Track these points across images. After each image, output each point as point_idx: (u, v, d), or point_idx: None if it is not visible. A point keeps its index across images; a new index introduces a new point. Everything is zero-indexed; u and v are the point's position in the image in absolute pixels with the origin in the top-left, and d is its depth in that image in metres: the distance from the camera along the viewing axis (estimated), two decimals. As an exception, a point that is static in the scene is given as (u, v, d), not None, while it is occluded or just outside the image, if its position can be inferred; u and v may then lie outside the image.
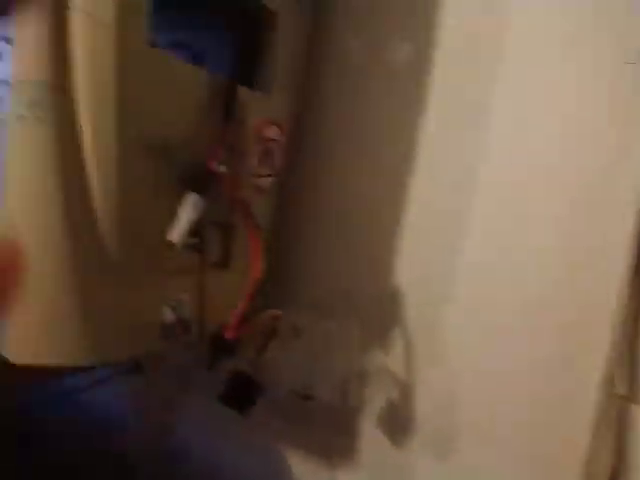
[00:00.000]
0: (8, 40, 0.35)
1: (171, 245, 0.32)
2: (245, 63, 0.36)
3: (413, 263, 0.46)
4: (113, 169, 0.29)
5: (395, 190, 0.46)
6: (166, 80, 0.31)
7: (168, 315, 0.35)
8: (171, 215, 0.32)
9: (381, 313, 0.47)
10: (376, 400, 0.47)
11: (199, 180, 0.33)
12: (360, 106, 0.48)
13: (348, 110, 0.48)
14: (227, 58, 0.44)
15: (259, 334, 0.36)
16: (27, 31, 0.27)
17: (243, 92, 0.36)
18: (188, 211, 0.32)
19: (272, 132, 0.41)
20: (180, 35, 0.46)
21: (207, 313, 0.37)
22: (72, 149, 0.28)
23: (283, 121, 0.42)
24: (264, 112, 0.40)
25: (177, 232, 0.32)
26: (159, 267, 0.34)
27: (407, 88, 0.45)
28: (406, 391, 0.45)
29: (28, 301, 0.30)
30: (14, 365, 0.30)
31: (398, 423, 0.47)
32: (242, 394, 0.38)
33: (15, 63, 0.28)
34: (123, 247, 0.31)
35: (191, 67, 0.33)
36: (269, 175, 0.42)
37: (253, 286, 0.34)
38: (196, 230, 0.34)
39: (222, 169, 0.35)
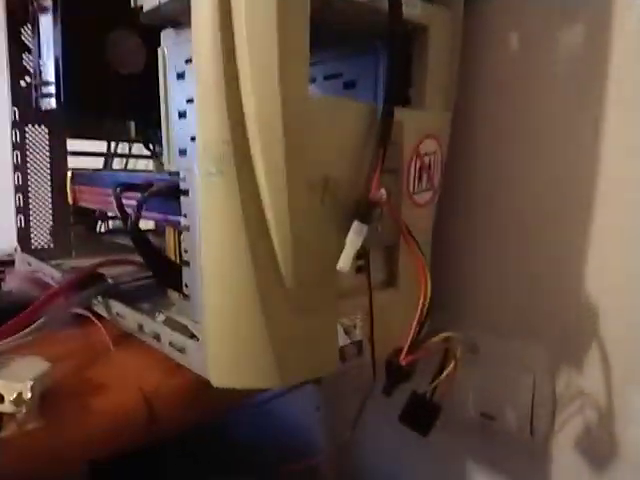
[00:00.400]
0: (190, 100, 0.41)
1: (340, 271, 0.33)
2: (396, 83, 0.35)
3: (606, 272, 0.41)
4: (285, 208, 0.32)
5: (581, 190, 0.41)
6: (327, 120, 0.33)
7: (342, 337, 0.37)
8: (339, 243, 0.34)
9: (570, 330, 0.42)
10: (570, 425, 0.42)
11: (362, 209, 0.33)
12: (527, 103, 0.44)
13: (510, 109, 0.45)
14: (378, 81, 0.44)
15: (434, 356, 0.35)
16: (206, 95, 0.31)
17: (397, 112, 0.35)
18: (354, 238, 0.33)
19: (429, 146, 0.40)
20: (330, 66, 0.48)
21: (378, 334, 0.38)
22: (251, 194, 0.32)
23: (439, 132, 0.41)
24: (419, 127, 0.39)
25: (345, 260, 0.33)
26: (331, 292, 0.36)
27: (581, 80, 0.41)
28: (606, 415, 0.40)
29: (221, 328, 0.34)
30: (214, 387, 0.34)
31: (598, 450, 0.42)
32: (421, 415, 0.37)
33: (199, 126, 0.31)
34: (298, 275, 0.33)
35: (347, 99, 0.35)
36: (427, 190, 0.41)
37: (422, 307, 0.33)
38: (362, 252, 0.34)
39: (383, 194, 0.35)
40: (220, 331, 0.34)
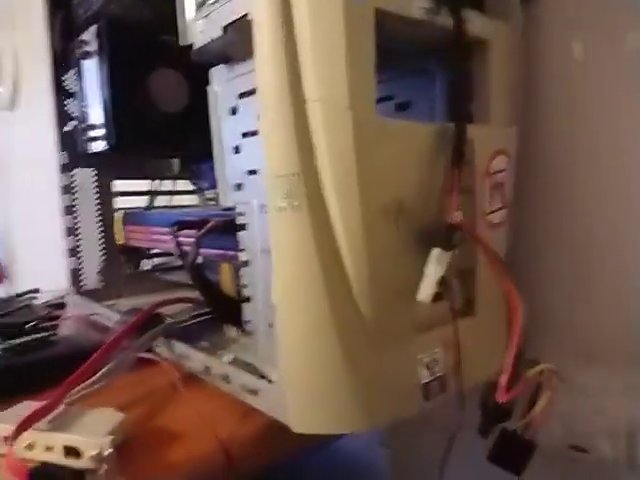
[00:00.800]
0: (245, 134, 0.40)
1: (420, 303, 0.31)
2: (459, 99, 0.33)
3: None
4: (359, 238, 0.30)
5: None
6: (398, 143, 0.31)
7: (424, 373, 0.34)
8: (417, 272, 0.32)
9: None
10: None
11: (440, 234, 0.31)
12: (601, 109, 0.42)
13: (580, 117, 0.43)
14: (434, 101, 0.42)
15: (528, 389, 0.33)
16: (273, 128, 0.30)
17: (468, 129, 0.34)
18: (435, 268, 0.31)
19: (500, 163, 0.38)
20: (382, 88, 0.47)
21: (462, 367, 0.35)
22: (323, 226, 0.30)
23: (508, 148, 0.39)
24: (489, 144, 0.37)
25: (425, 290, 0.31)
26: (410, 324, 0.34)
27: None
28: None
29: (299, 370, 0.32)
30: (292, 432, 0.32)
31: None
32: (513, 453, 0.34)
33: (267, 159, 0.30)
34: (375, 309, 0.32)
35: (414, 123, 0.33)
36: (501, 208, 0.39)
37: (518, 339, 0.31)
38: (441, 281, 0.32)
39: (459, 217, 0.33)
40: (298, 373, 0.32)
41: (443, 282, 0.33)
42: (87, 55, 0.57)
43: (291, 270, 0.31)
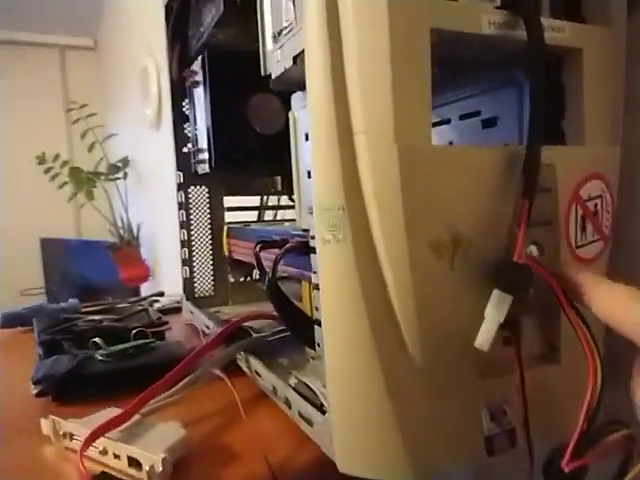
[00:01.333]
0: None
1: (480, 349, 0.28)
2: (542, 119, 0.29)
3: None
4: (407, 274, 0.28)
5: None
6: (454, 172, 0.29)
7: (489, 425, 0.31)
8: (475, 314, 0.29)
9: None
10: None
11: (504, 274, 0.28)
12: None
13: None
14: (523, 116, 0.38)
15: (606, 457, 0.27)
16: (320, 160, 0.29)
17: (547, 151, 0.30)
18: (494, 311, 0.28)
19: (593, 188, 0.33)
20: (466, 104, 0.43)
21: (537, 420, 0.31)
22: (369, 261, 0.29)
23: (606, 171, 0.33)
24: (578, 167, 0.32)
25: (484, 337, 0.28)
26: (470, 370, 0.30)
27: None
28: None
29: (347, 408, 0.31)
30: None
31: None
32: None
33: (315, 191, 0.30)
34: (428, 352, 0.29)
35: (477, 146, 0.30)
36: (595, 241, 0.34)
37: (591, 397, 0.26)
38: (508, 321, 0.29)
39: (532, 252, 0.29)
40: (344, 411, 0.31)
41: (510, 325, 0.30)
42: (196, 84, 0.62)
43: (334, 305, 0.30)
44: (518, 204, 0.29)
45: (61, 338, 0.55)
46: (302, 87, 0.42)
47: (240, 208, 0.79)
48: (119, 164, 2.32)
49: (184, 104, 0.72)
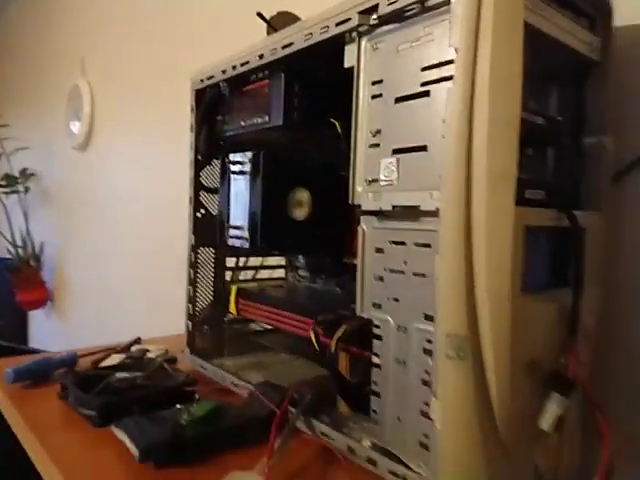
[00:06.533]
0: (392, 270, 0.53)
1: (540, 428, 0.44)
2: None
3: None
4: (507, 387, 0.42)
5: None
6: (537, 311, 0.45)
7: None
8: (537, 401, 0.44)
9: None
10: None
11: (562, 384, 0.44)
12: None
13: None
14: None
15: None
16: (446, 298, 0.43)
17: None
18: (555, 408, 0.44)
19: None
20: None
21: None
22: (479, 374, 0.43)
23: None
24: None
25: (547, 423, 0.43)
26: (530, 442, 0.46)
27: None
28: None
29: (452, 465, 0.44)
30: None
31: None
32: None
33: (441, 317, 0.43)
34: (510, 431, 0.44)
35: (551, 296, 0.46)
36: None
37: (604, 473, 0.43)
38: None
39: (580, 368, 0.46)
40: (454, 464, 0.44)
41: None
42: (240, 173, 0.70)
43: (452, 403, 0.43)
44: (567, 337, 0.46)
45: (119, 401, 0.59)
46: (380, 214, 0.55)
47: (245, 268, 0.88)
48: (16, 175, 2.13)
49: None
